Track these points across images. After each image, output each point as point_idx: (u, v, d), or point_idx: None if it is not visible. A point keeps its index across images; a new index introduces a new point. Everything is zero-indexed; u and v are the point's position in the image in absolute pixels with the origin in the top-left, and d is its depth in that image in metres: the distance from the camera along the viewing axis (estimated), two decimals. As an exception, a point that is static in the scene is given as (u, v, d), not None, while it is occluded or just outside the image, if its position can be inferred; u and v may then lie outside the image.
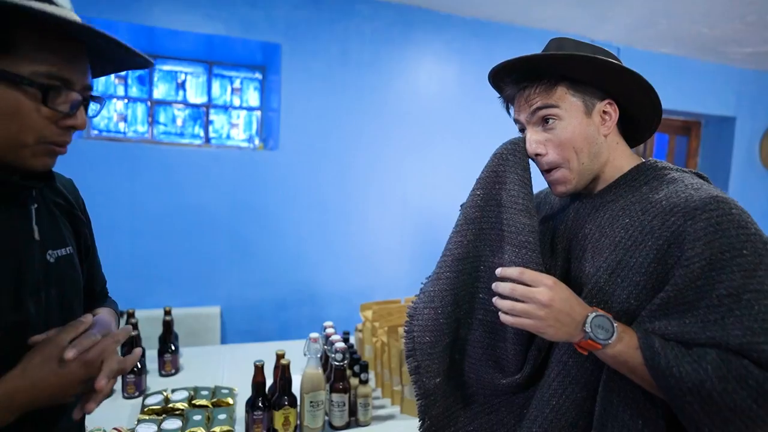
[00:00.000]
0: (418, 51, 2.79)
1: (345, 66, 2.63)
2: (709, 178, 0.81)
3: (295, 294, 2.66)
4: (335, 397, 1.27)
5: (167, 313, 1.60)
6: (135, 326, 1.47)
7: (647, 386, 0.70)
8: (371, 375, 1.57)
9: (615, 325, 0.68)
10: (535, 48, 0.82)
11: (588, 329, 0.68)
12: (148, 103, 2.66)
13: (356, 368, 1.35)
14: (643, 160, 0.83)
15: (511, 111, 0.86)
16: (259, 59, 2.78)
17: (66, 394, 0.63)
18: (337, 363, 1.27)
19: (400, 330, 1.41)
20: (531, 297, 0.69)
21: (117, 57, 0.70)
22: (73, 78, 0.63)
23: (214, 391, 1.39)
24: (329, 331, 1.45)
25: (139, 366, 1.41)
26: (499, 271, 0.75)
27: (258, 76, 2.86)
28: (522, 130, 0.85)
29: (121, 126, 2.64)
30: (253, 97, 2.87)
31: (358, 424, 1.31)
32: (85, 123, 0.67)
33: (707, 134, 3.91)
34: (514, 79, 0.81)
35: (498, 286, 0.74)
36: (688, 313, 0.67)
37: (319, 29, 2.57)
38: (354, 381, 1.33)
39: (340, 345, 1.28)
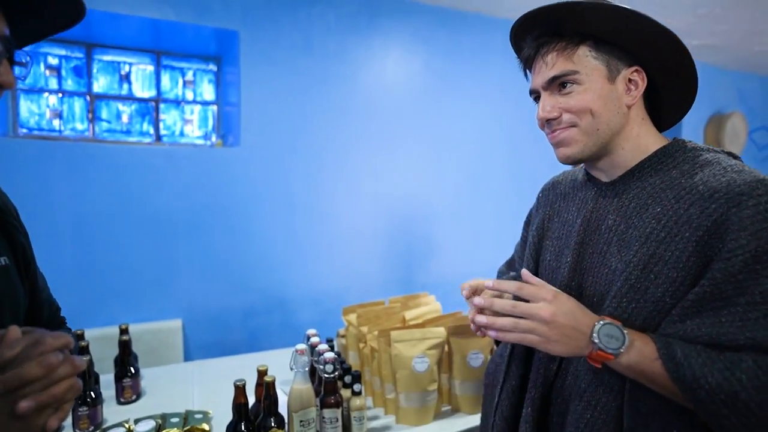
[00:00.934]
0: (385, 40, 2.68)
1: (309, 56, 2.48)
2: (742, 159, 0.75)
3: (264, 300, 2.48)
4: (327, 413, 1.14)
5: (123, 331, 1.40)
6: (86, 349, 1.27)
7: (672, 395, 0.63)
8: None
9: (625, 332, 0.63)
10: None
11: (596, 339, 0.63)
12: (88, 98, 2.39)
13: (347, 379, 1.23)
14: (670, 141, 0.75)
15: (529, 77, 0.78)
16: (214, 49, 2.56)
17: None
18: (327, 375, 1.14)
19: (392, 334, 1.30)
20: (532, 314, 0.65)
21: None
22: None
23: (186, 417, 1.22)
24: (314, 340, 1.32)
25: (93, 395, 1.21)
26: (491, 283, 0.70)
27: (212, 67, 2.64)
28: (537, 98, 0.77)
29: (56, 123, 2.34)
30: (207, 91, 2.65)
31: (352, 441, 1.20)
32: (12, 80, 0.54)
33: (658, 124, 4.09)
34: (535, 35, 0.73)
35: (495, 303, 0.67)
36: (724, 309, 0.60)
37: (280, 15, 2.40)
38: (346, 393, 1.21)
39: (330, 355, 1.15)
